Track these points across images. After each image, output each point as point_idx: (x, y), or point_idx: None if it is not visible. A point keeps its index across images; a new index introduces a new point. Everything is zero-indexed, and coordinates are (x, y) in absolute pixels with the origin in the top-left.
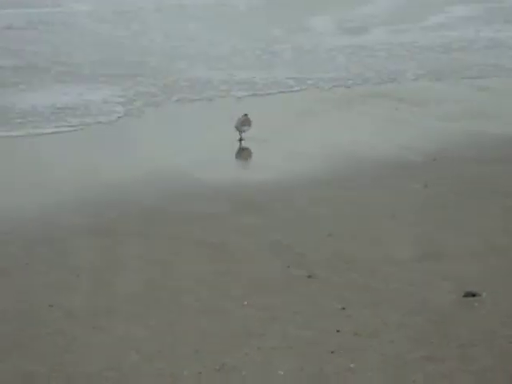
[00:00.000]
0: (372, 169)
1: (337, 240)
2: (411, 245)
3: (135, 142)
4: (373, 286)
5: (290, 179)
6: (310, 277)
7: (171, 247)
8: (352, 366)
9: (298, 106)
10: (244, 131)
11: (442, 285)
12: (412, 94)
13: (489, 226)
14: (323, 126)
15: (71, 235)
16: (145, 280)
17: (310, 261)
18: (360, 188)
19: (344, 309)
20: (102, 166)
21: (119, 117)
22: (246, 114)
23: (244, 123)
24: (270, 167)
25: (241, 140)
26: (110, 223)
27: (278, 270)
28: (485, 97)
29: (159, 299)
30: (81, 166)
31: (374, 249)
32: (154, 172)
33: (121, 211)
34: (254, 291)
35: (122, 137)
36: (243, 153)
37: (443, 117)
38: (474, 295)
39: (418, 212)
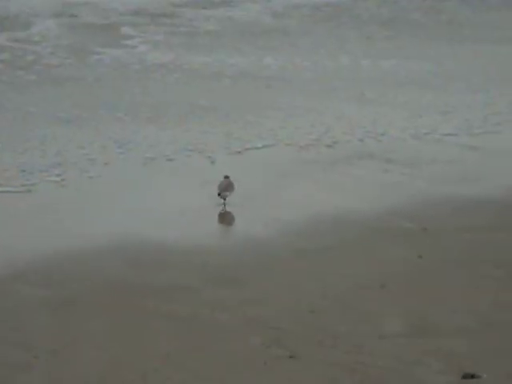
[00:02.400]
0: (360, 236)
1: (320, 314)
2: (401, 319)
3: (96, 204)
4: (360, 364)
5: (270, 248)
6: (291, 357)
7: (137, 322)
8: None
9: (278, 166)
10: (226, 196)
11: (435, 363)
12: (401, 154)
13: (482, 300)
14: (306, 189)
15: (27, 309)
16: (109, 359)
17: (292, 339)
18: (346, 257)
19: None
20: (58, 231)
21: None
22: (227, 177)
23: (227, 188)
24: (247, 235)
25: (224, 205)
26: (70, 295)
27: (257, 349)
28: (475, 157)
29: (124, 381)
30: (34, 230)
31: (360, 323)
32: (118, 238)
33: (81, 282)
34: (229, 373)
35: (80, 198)
36: (227, 217)
37: (434, 179)
38: (473, 376)
39: (409, 283)
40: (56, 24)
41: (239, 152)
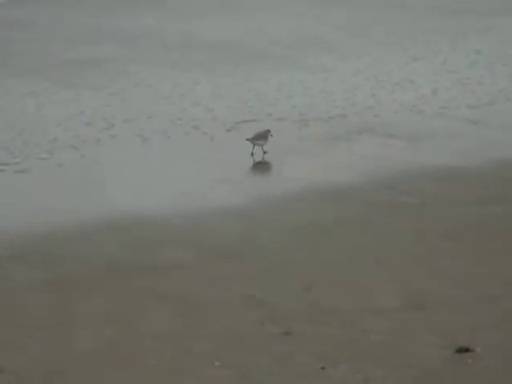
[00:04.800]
0: (357, 211)
1: (315, 291)
2: (396, 294)
3: (93, 182)
4: (353, 340)
5: (265, 224)
6: (286, 333)
7: (133, 301)
8: None
9: (277, 143)
10: (259, 145)
11: (429, 338)
12: (401, 128)
13: (478, 273)
14: (305, 165)
15: (23, 289)
16: (105, 338)
17: (286, 315)
18: (343, 232)
19: (323, 368)
20: (56, 211)
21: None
22: (268, 130)
23: (259, 138)
24: (241, 211)
25: (252, 154)
26: (63, 275)
27: (252, 326)
28: (475, 131)
29: (120, 359)
30: (32, 211)
31: (354, 298)
32: (112, 217)
33: (75, 261)
34: (224, 350)
35: (78, 176)
36: (260, 166)
37: (432, 153)
38: (467, 350)
39: (406, 258)
40: None
41: (234, 127)
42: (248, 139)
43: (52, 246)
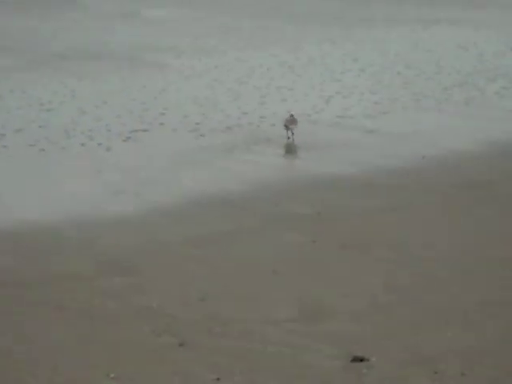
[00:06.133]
0: (253, 222)
1: (212, 301)
2: (293, 304)
3: None
4: (250, 351)
5: (162, 236)
6: (181, 344)
7: (27, 313)
8: None
9: (173, 153)
10: (292, 129)
11: (325, 348)
12: (297, 138)
13: (373, 283)
14: (201, 176)
15: None
16: None
17: (183, 326)
18: (239, 243)
19: (219, 379)
20: None
21: None
22: (292, 115)
23: (292, 122)
24: (137, 222)
25: (289, 138)
26: None
27: (147, 337)
28: (373, 139)
29: (14, 371)
30: None
31: (251, 309)
32: (9, 227)
33: None
34: (120, 361)
35: None
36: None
37: (329, 163)
38: (362, 360)
39: (302, 268)
40: None
41: (130, 138)
42: (285, 125)
43: None
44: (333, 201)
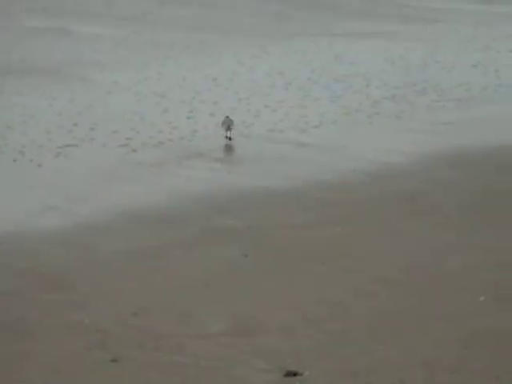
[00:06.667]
0: (185, 236)
1: (144, 316)
2: (225, 318)
3: None
4: (183, 365)
5: (93, 250)
6: (113, 360)
7: None
8: None
9: (102, 169)
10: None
11: (257, 363)
12: (229, 152)
13: (304, 296)
14: (132, 191)
15: None
16: None
17: (115, 342)
18: (170, 257)
19: None
20: None
21: None
22: (227, 116)
23: (231, 123)
24: (70, 238)
25: (230, 138)
26: None
27: (79, 353)
28: (304, 153)
29: None
30: None
31: (183, 323)
32: None
33: None
34: (51, 377)
35: None
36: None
37: (259, 177)
38: (295, 374)
39: (234, 282)
40: None
41: (60, 153)
42: (228, 125)
43: None
44: (264, 214)
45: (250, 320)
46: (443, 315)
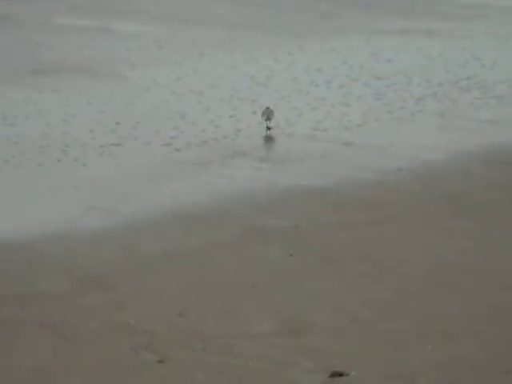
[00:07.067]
0: (231, 236)
1: (190, 317)
2: (271, 318)
3: None
4: (230, 366)
5: (137, 250)
6: (160, 361)
7: (6, 332)
8: None
9: (147, 167)
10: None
11: (304, 363)
12: (273, 151)
13: (350, 297)
14: (177, 190)
15: None
16: None
17: (161, 343)
18: (216, 257)
19: None
20: None
21: None
22: (268, 107)
23: (271, 113)
24: (113, 238)
25: (269, 128)
26: None
27: (126, 354)
28: (348, 151)
29: None
30: None
31: (231, 323)
32: None
33: None
34: (98, 380)
35: None
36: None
37: (304, 176)
38: (341, 375)
39: (280, 282)
40: None
41: (104, 152)
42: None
43: None
44: (310, 214)
45: (296, 320)
46: (492, 316)
